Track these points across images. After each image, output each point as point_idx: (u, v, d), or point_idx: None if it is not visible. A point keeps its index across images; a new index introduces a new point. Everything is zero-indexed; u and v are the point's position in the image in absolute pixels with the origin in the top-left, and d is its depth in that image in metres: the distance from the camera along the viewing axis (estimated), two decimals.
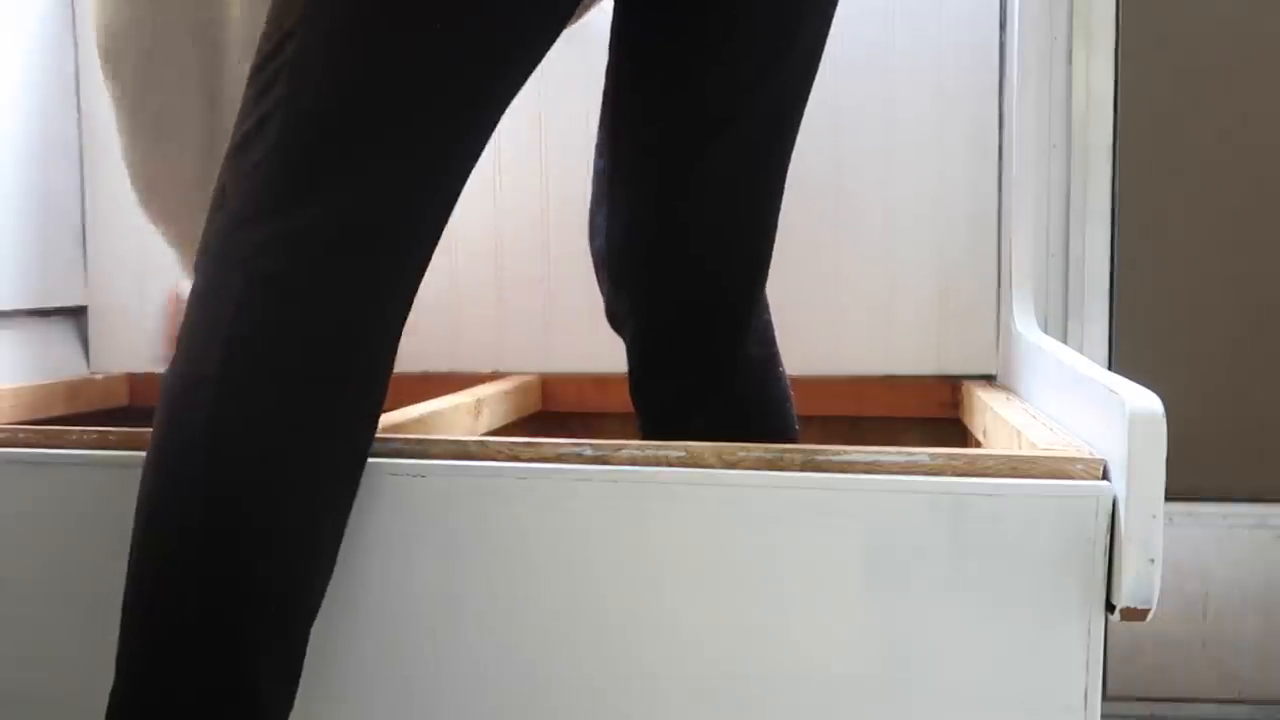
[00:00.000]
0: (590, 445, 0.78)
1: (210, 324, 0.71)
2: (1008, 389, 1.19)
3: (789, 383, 0.98)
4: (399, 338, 0.77)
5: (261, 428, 0.70)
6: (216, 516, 0.69)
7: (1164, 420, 0.67)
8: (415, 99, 0.73)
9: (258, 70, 0.74)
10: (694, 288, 0.92)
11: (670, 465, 0.76)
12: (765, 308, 0.97)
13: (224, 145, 0.75)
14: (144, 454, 0.72)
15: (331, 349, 0.72)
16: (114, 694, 0.71)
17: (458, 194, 0.79)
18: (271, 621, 0.71)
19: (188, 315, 0.72)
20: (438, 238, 0.78)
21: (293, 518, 0.71)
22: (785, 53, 0.89)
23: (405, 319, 0.77)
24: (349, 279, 0.72)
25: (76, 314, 1.50)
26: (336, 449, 0.73)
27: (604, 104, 0.94)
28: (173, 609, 0.69)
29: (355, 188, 0.72)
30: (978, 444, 1.12)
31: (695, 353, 0.93)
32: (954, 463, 0.73)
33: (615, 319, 0.98)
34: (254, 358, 0.70)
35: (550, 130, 1.36)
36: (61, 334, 1.48)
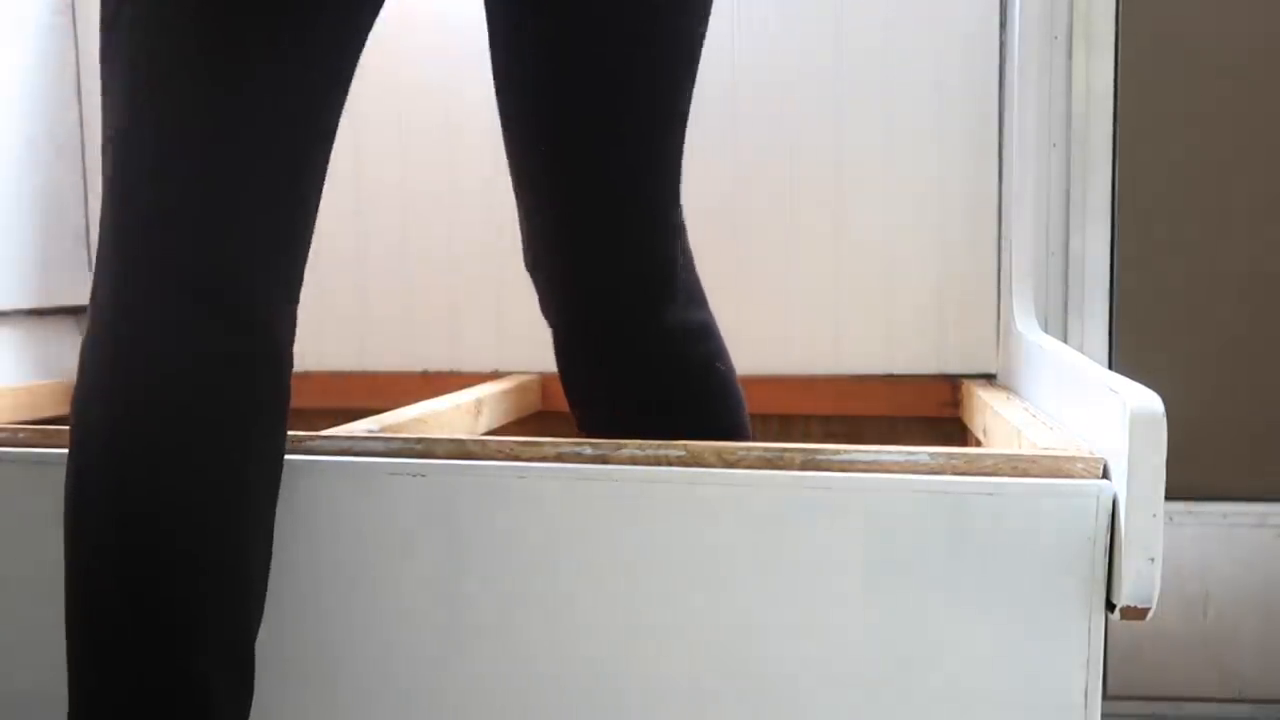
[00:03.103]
0: (590, 445, 0.78)
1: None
2: (1008, 388, 1.19)
3: (735, 381, 0.97)
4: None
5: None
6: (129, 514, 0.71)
7: (1164, 419, 0.67)
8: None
9: None
10: (585, 289, 0.93)
11: (670, 465, 0.76)
12: (692, 304, 0.96)
13: None
14: None
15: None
16: (71, 704, 0.73)
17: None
18: (207, 616, 0.72)
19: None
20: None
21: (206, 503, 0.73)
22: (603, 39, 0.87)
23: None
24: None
25: (79, 313, 1.50)
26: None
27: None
28: (106, 609, 0.72)
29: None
30: (978, 443, 1.12)
31: (610, 348, 0.94)
32: (954, 462, 0.73)
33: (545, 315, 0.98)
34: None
35: None
36: (63, 333, 1.48)
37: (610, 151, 0.90)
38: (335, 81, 0.78)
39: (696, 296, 0.97)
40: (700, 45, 0.90)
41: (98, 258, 0.76)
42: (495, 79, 0.93)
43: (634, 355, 0.94)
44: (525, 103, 0.90)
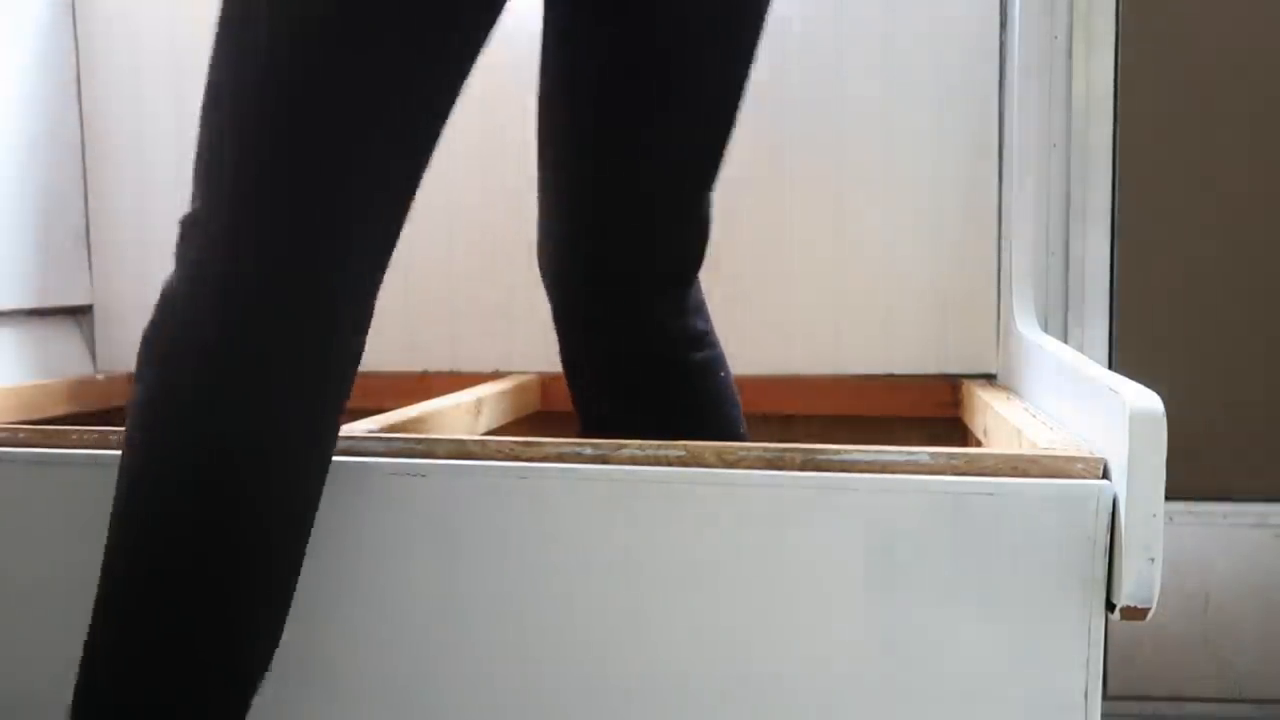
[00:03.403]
0: (590, 445, 0.78)
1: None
2: (1008, 388, 1.19)
3: (735, 387, 1.00)
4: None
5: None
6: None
7: (1164, 419, 0.67)
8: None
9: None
10: (603, 290, 0.94)
11: (670, 465, 0.76)
12: (699, 313, 0.99)
13: None
14: None
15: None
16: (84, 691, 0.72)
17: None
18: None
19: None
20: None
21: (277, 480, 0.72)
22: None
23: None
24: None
25: (80, 313, 1.50)
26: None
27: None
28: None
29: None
30: (978, 443, 1.12)
31: (618, 353, 0.95)
32: (954, 462, 0.73)
33: (555, 319, 1.00)
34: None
35: None
36: (65, 333, 1.48)
37: (667, 159, 0.92)
38: (458, 87, 0.77)
39: (704, 308, 1.00)
40: (756, 46, 0.92)
41: (207, 182, 0.73)
42: (548, 83, 0.93)
43: (643, 358, 0.95)
44: (585, 108, 0.91)
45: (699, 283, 1.00)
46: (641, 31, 0.88)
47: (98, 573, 0.78)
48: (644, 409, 0.95)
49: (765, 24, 0.92)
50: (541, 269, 0.99)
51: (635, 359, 0.95)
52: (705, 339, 0.98)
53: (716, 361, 0.98)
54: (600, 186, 0.93)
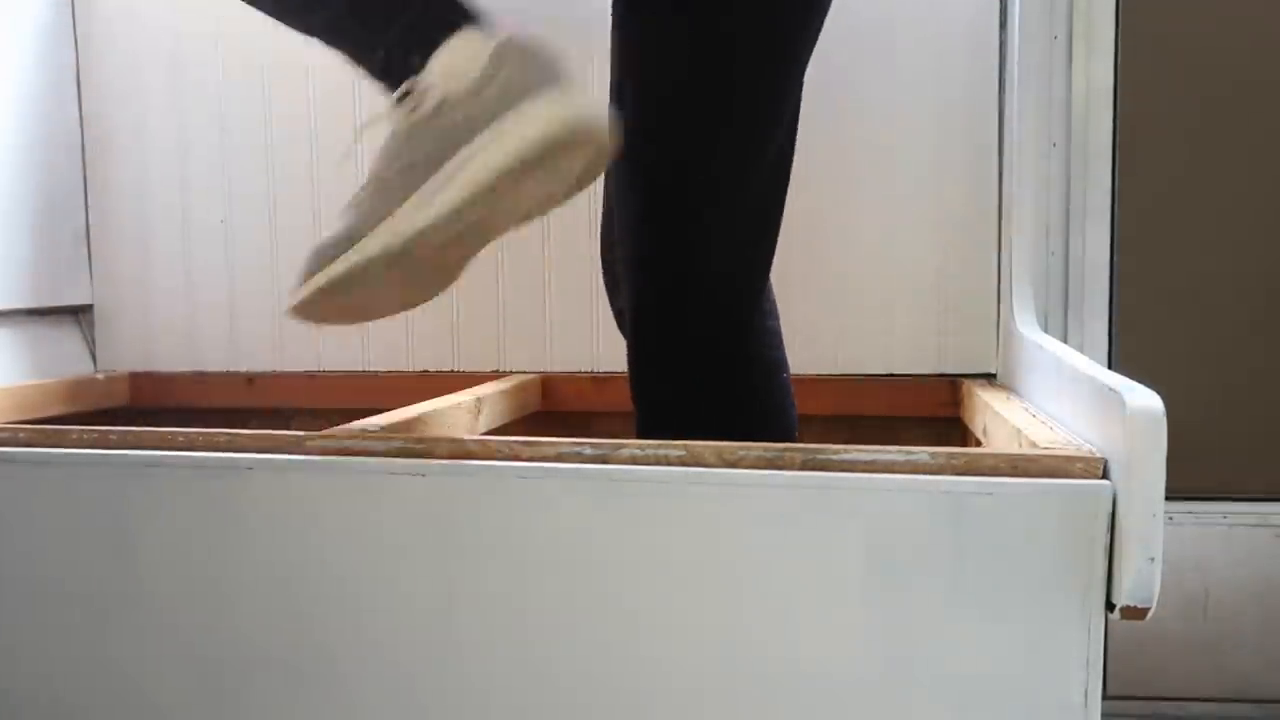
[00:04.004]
0: (590, 445, 0.78)
1: None
2: (1008, 388, 1.19)
3: (793, 388, 0.99)
4: None
5: None
6: None
7: (1164, 419, 0.67)
8: None
9: None
10: (681, 288, 0.93)
11: (670, 465, 0.76)
12: (771, 313, 0.98)
13: None
14: (144, 453, 0.75)
15: None
16: None
17: None
18: None
19: None
20: None
21: None
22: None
23: None
24: None
25: (81, 312, 1.50)
26: None
27: None
28: None
29: None
30: (978, 443, 1.12)
31: (689, 352, 0.94)
32: (954, 462, 0.73)
33: (618, 318, 0.98)
34: None
35: None
36: (63, 333, 1.48)
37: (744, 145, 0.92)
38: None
39: (775, 307, 1.00)
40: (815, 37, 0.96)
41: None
42: (626, 78, 0.93)
43: (716, 352, 0.94)
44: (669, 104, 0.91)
45: (771, 284, 0.99)
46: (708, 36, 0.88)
47: (98, 572, 0.79)
48: (709, 400, 0.94)
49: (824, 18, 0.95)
50: (610, 265, 0.98)
51: (709, 352, 0.94)
52: (776, 338, 0.98)
53: (782, 362, 0.98)
54: (683, 183, 0.92)
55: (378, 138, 0.83)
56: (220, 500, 0.80)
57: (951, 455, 0.74)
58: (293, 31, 0.86)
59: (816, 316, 1.34)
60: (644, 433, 0.96)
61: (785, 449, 0.75)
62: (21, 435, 0.88)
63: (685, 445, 0.76)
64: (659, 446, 0.77)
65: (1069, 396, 0.87)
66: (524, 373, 1.38)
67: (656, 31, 0.91)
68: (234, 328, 1.46)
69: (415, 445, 0.80)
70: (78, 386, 1.41)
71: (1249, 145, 1.36)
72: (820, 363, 1.33)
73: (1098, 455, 0.73)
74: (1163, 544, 0.68)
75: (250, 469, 0.80)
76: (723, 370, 0.94)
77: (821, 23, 0.95)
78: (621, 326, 0.98)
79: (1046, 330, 1.25)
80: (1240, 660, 1.38)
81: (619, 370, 0.99)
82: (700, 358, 0.94)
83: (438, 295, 0.87)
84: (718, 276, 0.93)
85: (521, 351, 1.39)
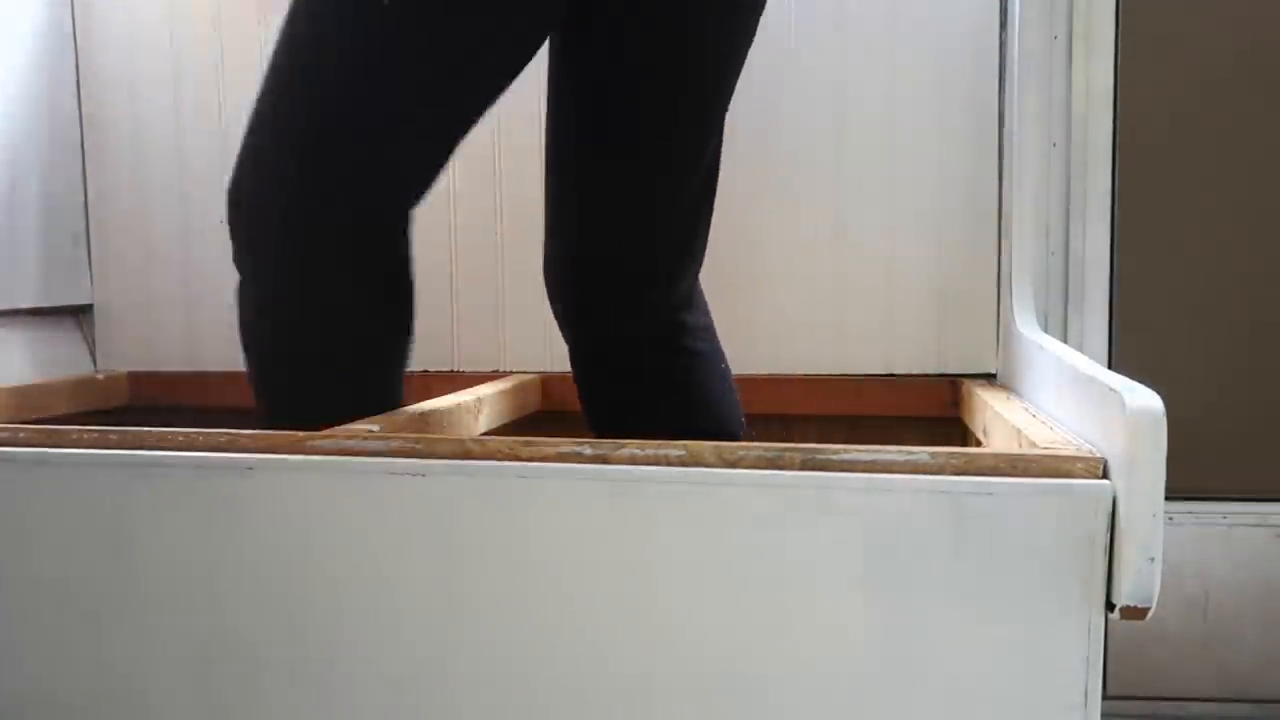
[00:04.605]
0: (590, 445, 0.78)
1: None
2: (1008, 388, 1.19)
3: (733, 381, 1.05)
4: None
5: None
6: None
7: (1164, 419, 0.67)
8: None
9: None
10: (601, 291, 1.00)
11: (670, 465, 0.76)
12: (702, 309, 1.05)
13: None
14: (144, 453, 0.77)
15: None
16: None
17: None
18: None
19: None
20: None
21: None
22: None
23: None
24: None
25: (81, 312, 1.50)
26: None
27: None
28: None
29: None
30: (978, 443, 1.12)
31: (619, 351, 1.01)
32: (954, 461, 0.73)
33: (559, 319, 1.05)
34: None
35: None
36: (63, 333, 1.48)
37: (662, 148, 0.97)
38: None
39: (705, 305, 1.05)
40: (748, 41, 0.97)
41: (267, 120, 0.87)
42: (554, 93, 1.00)
43: (651, 343, 1.01)
44: (585, 118, 0.97)
45: (699, 285, 1.01)
46: (639, 43, 0.92)
47: (98, 572, 0.79)
48: (650, 391, 1.01)
49: (758, 21, 0.95)
50: (550, 272, 1.03)
51: (642, 344, 1.00)
52: (708, 332, 1.03)
53: (718, 354, 1.03)
54: (601, 188, 0.97)
55: None
56: (220, 500, 0.80)
57: (951, 455, 0.74)
58: None
59: (817, 316, 1.34)
60: (595, 429, 1.03)
61: (785, 449, 0.75)
62: (21, 435, 0.88)
63: (685, 445, 0.76)
64: (659, 446, 0.77)
65: (1069, 396, 0.87)
66: (524, 373, 1.38)
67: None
68: (234, 328, 1.46)
69: (415, 445, 0.80)
70: (78, 386, 1.41)
71: (1249, 145, 1.36)
72: (820, 363, 1.33)
73: (1098, 455, 0.73)
74: (1163, 544, 0.68)
75: (250, 469, 0.80)
76: (659, 361, 1.01)
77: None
78: (562, 326, 1.04)
79: (1046, 330, 1.25)
80: (1240, 661, 1.38)
81: None
82: (637, 352, 1.00)
83: None
84: (650, 276, 0.99)
85: (521, 351, 1.39)
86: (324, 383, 0.92)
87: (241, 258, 0.92)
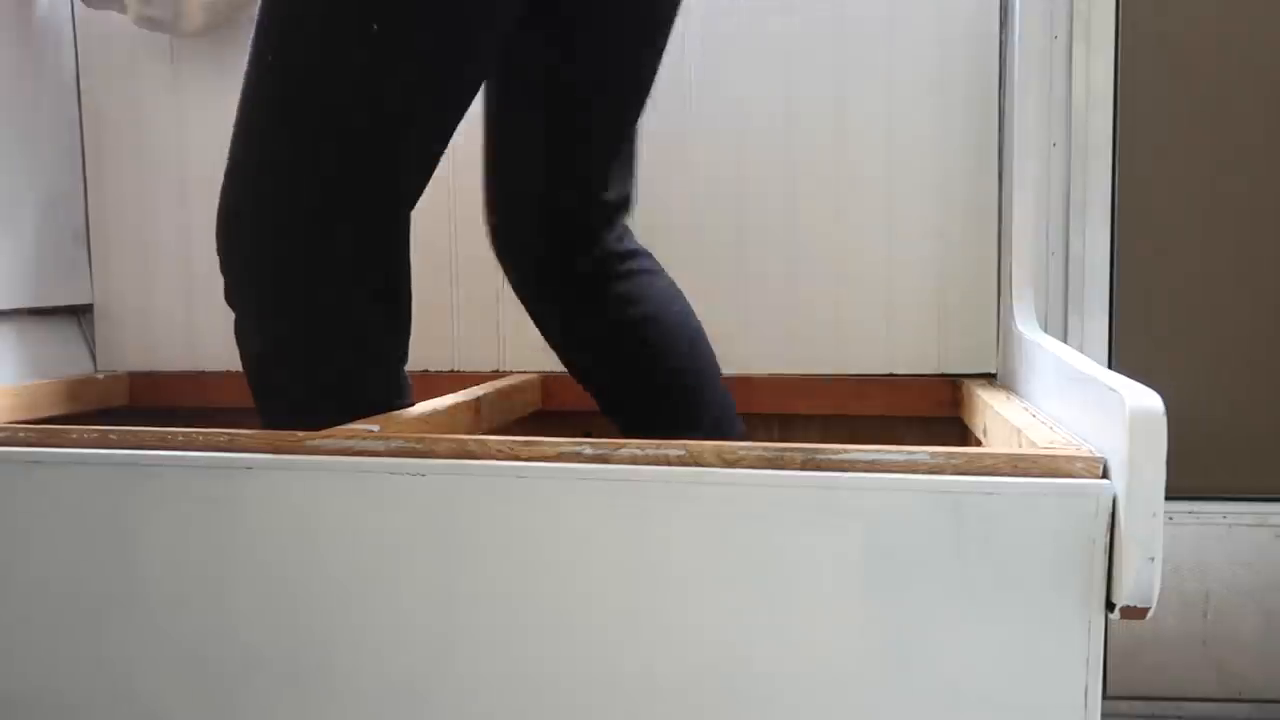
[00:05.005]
0: (590, 444, 0.78)
1: None
2: (1008, 388, 1.19)
3: (676, 294, 1.12)
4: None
5: None
6: None
7: (1164, 419, 0.67)
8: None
9: None
10: (528, 222, 1.09)
11: (670, 465, 0.76)
12: (631, 237, 1.12)
13: None
14: (144, 453, 0.77)
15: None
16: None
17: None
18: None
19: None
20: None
21: None
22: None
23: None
24: None
25: (81, 312, 1.50)
26: None
27: None
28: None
29: None
30: (978, 443, 1.12)
31: (583, 275, 1.08)
32: (954, 461, 0.73)
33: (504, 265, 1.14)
34: None
35: None
36: (63, 333, 1.48)
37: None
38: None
39: (645, 251, 1.12)
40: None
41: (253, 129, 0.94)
42: (502, 70, 1.05)
43: (606, 274, 1.08)
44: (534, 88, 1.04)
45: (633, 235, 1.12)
46: (576, 27, 1.01)
47: (98, 572, 0.79)
48: (614, 317, 1.09)
49: None
50: (497, 229, 1.11)
51: (599, 277, 1.08)
52: (646, 254, 1.11)
53: (659, 272, 1.12)
54: (553, 138, 1.06)
55: None
56: (220, 500, 0.80)
57: (951, 455, 0.74)
58: None
59: (817, 316, 1.34)
60: (558, 352, 1.14)
61: (785, 449, 0.75)
62: (21, 435, 0.88)
63: (685, 445, 0.76)
64: (659, 446, 0.77)
65: (1069, 396, 0.87)
66: (524, 373, 1.38)
67: None
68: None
69: (415, 445, 0.80)
70: (78, 386, 1.41)
71: (1249, 145, 1.36)
72: (820, 363, 1.33)
73: (1098, 455, 0.73)
74: (1163, 544, 0.68)
75: (250, 469, 0.80)
76: (606, 286, 1.09)
77: None
78: (508, 273, 1.13)
79: (1046, 330, 1.25)
80: (1240, 660, 1.38)
81: None
82: (581, 286, 1.09)
83: None
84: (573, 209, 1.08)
85: (521, 351, 1.39)
86: (324, 383, 0.92)
87: (234, 270, 0.97)
